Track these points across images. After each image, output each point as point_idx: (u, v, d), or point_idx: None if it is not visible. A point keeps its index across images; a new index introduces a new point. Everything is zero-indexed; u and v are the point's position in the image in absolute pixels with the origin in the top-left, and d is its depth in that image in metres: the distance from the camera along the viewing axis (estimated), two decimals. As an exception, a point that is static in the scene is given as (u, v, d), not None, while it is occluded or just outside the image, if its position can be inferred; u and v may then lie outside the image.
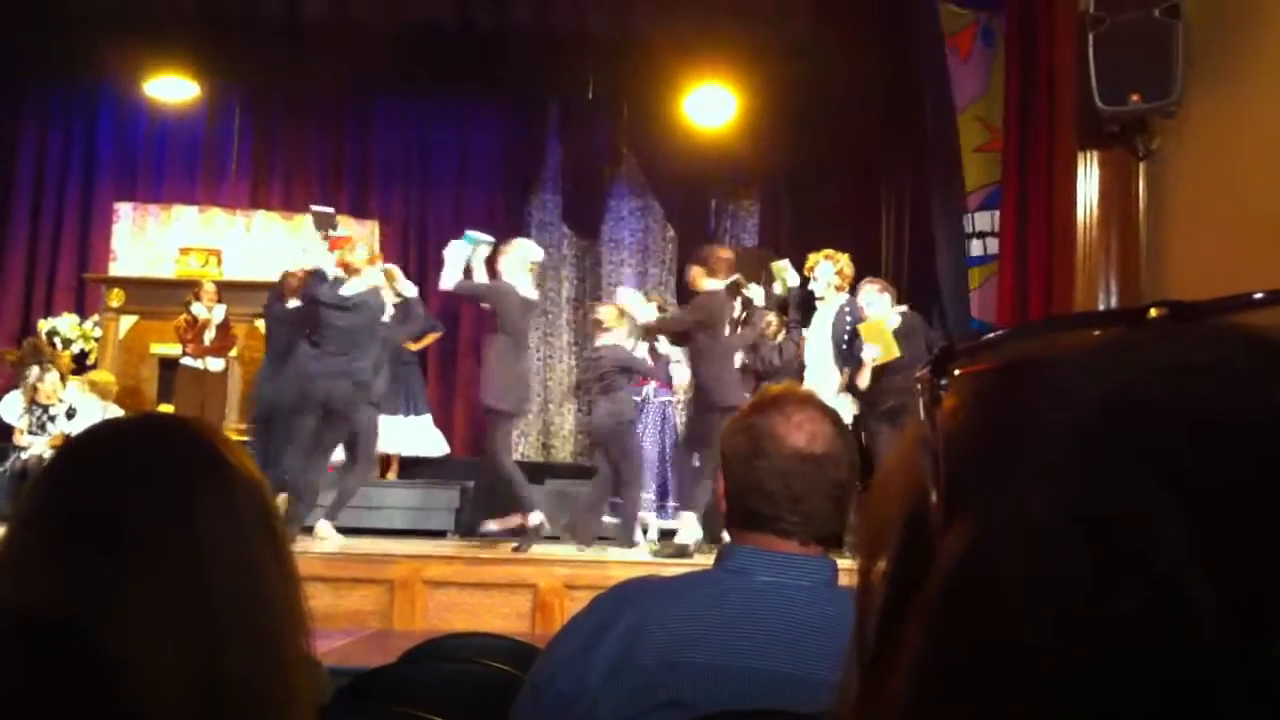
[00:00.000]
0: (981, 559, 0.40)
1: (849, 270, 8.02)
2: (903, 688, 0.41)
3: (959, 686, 0.39)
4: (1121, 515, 0.37)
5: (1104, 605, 0.36)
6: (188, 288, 10.28)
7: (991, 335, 0.45)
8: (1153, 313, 0.43)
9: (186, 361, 9.58)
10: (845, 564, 1.79)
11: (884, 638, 0.44)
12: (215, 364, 9.62)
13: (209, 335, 9.62)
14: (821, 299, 8.03)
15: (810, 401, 1.79)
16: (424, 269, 12.02)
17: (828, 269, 7.98)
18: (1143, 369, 0.40)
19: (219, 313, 9.73)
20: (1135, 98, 5.77)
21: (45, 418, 9.17)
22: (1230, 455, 0.37)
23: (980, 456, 0.42)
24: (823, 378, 7.65)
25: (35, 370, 9.27)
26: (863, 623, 0.46)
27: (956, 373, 0.44)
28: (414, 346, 10.11)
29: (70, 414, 9.22)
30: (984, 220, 7.90)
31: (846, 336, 7.79)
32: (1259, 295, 0.42)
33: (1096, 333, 0.43)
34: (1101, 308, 6.23)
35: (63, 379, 9.52)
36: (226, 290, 10.29)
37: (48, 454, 8.19)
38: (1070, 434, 0.39)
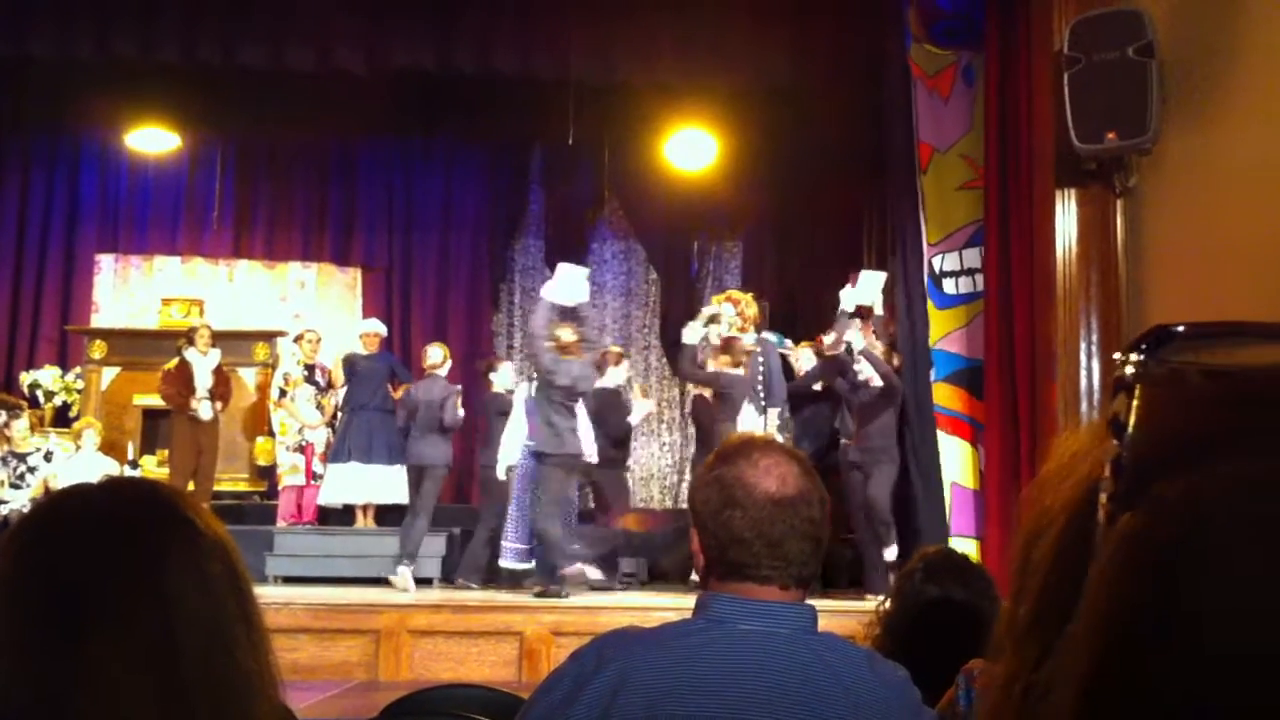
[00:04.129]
0: (1187, 538, 0.44)
1: (751, 311, 8.12)
2: (1080, 657, 0.46)
3: (1141, 658, 0.44)
4: None
5: None
6: (170, 339, 10.23)
7: (1200, 327, 0.49)
8: None
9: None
10: (822, 605, 1.78)
11: (1046, 608, 0.50)
12: (207, 411, 9.52)
13: (203, 382, 9.52)
14: None
15: (773, 445, 1.78)
16: (407, 315, 12.04)
17: (729, 311, 8.07)
18: None
19: (214, 357, 9.68)
20: (1112, 136, 5.82)
21: (24, 468, 9.09)
22: None
23: (1177, 449, 0.46)
24: (747, 421, 7.69)
25: (3, 415, 9.19)
26: (1016, 601, 0.53)
27: (1157, 362, 0.48)
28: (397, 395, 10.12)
29: (48, 457, 9.16)
30: (971, 257, 7.92)
31: (761, 376, 7.89)
32: None
33: None
34: (1083, 343, 6.26)
35: (37, 427, 9.48)
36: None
37: (28, 509, 8.12)
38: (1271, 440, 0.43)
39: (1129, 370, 0.48)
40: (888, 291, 8.24)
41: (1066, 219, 6.42)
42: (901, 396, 7.82)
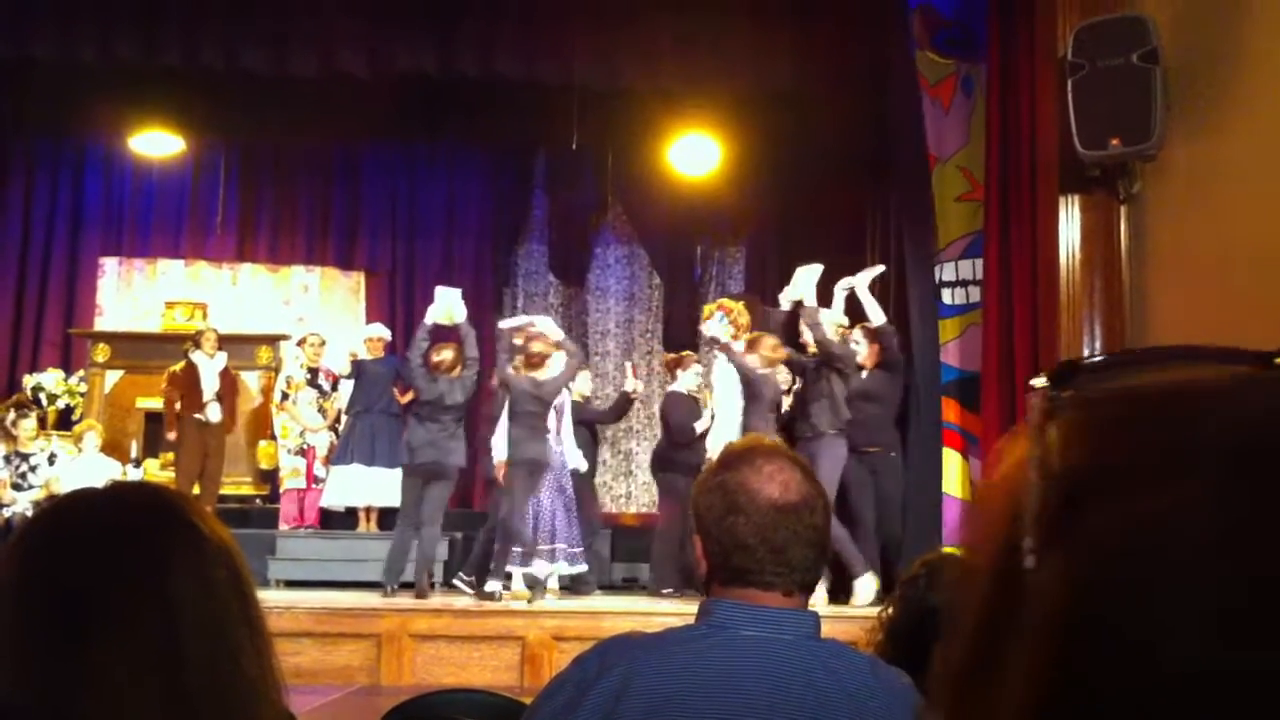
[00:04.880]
0: (1118, 579, 0.42)
1: (743, 319, 8.10)
2: (1018, 706, 0.44)
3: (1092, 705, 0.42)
4: (1266, 542, 0.39)
5: (1261, 623, 0.39)
6: (174, 342, 10.24)
7: (1109, 357, 0.48)
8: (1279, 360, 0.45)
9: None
10: (824, 611, 1.77)
11: (981, 654, 0.47)
12: (215, 414, 9.52)
13: (210, 385, 9.52)
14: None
15: (778, 451, 1.78)
16: (410, 320, 12.03)
17: (721, 319, 8.05)
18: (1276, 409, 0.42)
19: (221, 360, 9.68)
20: (1115, 142, 5.81)
21: (27, 468, 9.09)
22: None
23: (1104, 478, 0.44)
24: (731, 426, 7.64)
25: (11, 414, 9.20)
26: (954, 640, 0.50)
27: (1068, 393, 0.46)
28: (403, 400, 10.14)
29: (52, 459, 9.17)
30: (966, 269, 7.93)
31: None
32: None
33: (1220, 370, 0.46)
34: (1086, 350, 6.25)
35: (43, 424, 9.48)
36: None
37: (31, 511, 8.13)
38: (1211, 465, 0.41)
39: (1043, 405, 0.47)
40: (897, 298, 8.22)
41: (1070, 225, 6.41)
42: (775, 403, 7.54)
